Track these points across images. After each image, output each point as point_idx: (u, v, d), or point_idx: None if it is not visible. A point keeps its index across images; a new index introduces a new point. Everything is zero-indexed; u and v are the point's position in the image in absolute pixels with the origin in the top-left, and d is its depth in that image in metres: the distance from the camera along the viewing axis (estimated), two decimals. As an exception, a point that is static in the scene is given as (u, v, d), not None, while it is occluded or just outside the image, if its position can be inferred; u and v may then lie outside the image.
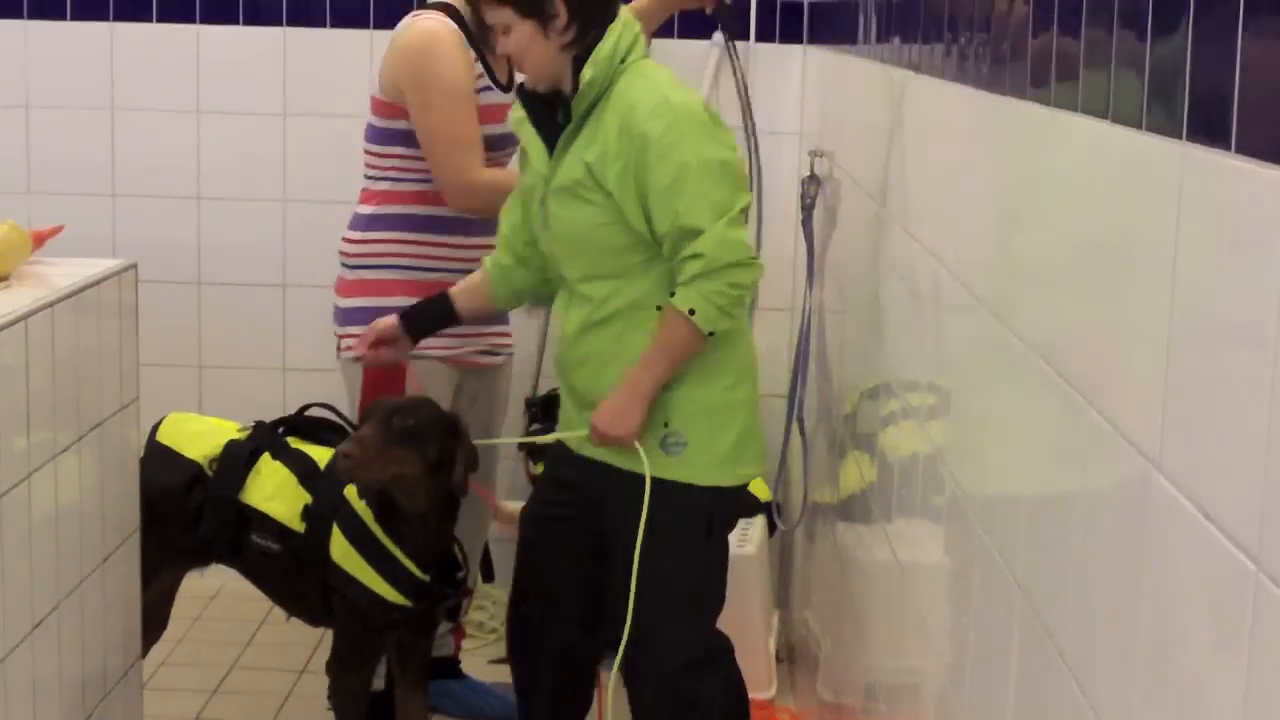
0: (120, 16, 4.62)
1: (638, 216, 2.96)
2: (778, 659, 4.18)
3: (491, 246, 3.37)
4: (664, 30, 4.57)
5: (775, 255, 4.57)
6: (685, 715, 3.17)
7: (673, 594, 3.12)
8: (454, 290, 3.32)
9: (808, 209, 3.84)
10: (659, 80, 3.02)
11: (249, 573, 3.40)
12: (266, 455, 3.35)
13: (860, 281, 3.27)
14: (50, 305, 2.57)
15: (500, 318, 3.74)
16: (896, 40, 2.93)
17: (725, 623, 3.99)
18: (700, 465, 3.06)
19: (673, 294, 2.95)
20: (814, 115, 4.40)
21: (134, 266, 2.98)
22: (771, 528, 4.25)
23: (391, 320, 3.29)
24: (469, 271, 3.45)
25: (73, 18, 4.63)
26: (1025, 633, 1.72)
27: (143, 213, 4.65)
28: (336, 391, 3.69)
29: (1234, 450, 1.13)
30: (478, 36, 3.57)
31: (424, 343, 3.40)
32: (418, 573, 3.22)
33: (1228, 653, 1.13)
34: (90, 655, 2.78)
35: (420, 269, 3.63)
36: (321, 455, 3.34)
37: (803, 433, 3.94)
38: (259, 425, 3.42)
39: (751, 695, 4.01)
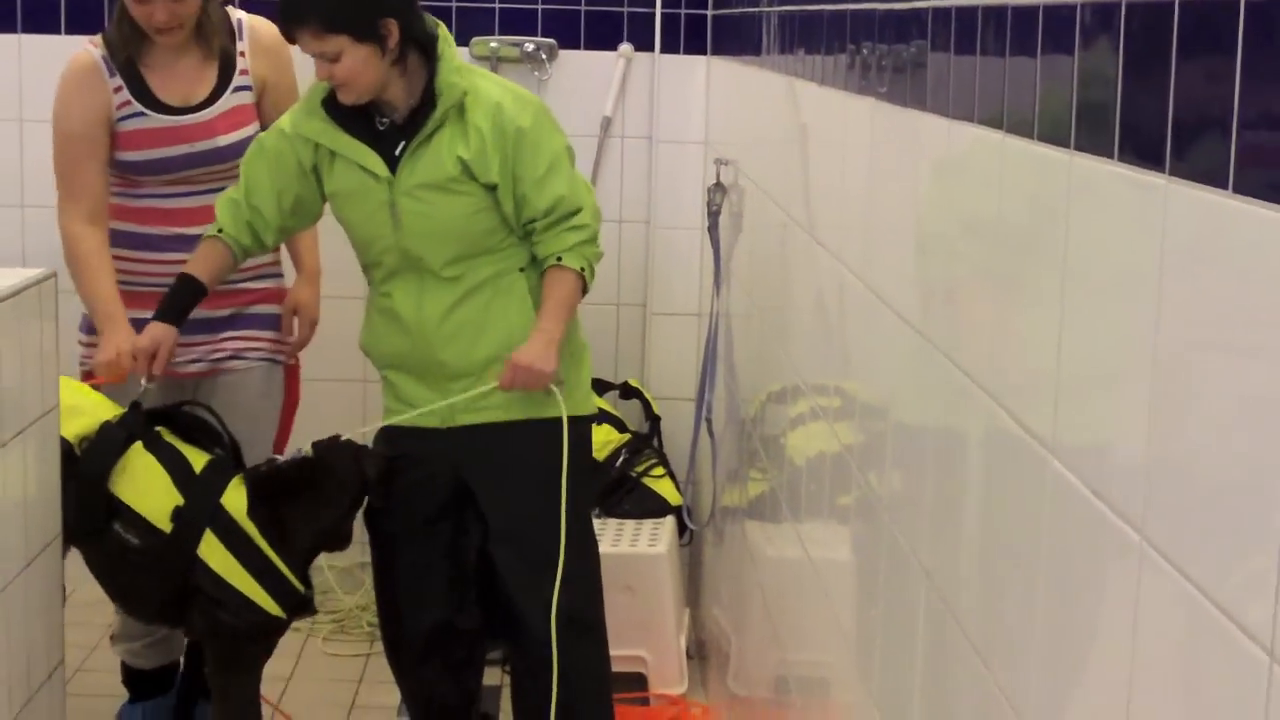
0: (29, 29, 4.63)
1: (508, 201, 3.24)
2: (688, 655, 4.27)
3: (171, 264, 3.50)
4: (571, 41, 4.67)
5: (682, 261, 4.68)
6: (592, 637, 3.43)
7: (582, 519, 3.40)
8: (192, 270, 3.40)
9: (714, 215, 3.93)
10: (501, 81, 3.35)
11: (94, 560, 3.33)
12: (139, 445, 3.29)
13: (767, 286, 3.37)
14: (-26, 313, 2.61)
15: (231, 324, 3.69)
16: (799, 51, 3.03)
17: (637, 621, 4.09)
18: (577, 400, 3.37)
19: (556, 258, 3.24)
20: (719, 124, 4.50)
21: (54, 275, 3.01)
22: (681, 528, 4.35)
23: (162, 334, 3.36)
24: (146, 284, 3.57)
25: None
26: (930, 615, 1.82)
27: (53, 222, 4.65)
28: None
29: (1118, 434, 1.23)
30: (132, 59, 3.56)
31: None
32: (297, 584, 3.27)
33: (1115, 619, 1.23)
34: (15, 658, 2.81)
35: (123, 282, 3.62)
36: (195, 457, 3.32)
37: (711, 435, 4.04)
38: (134, 408, 3.34)
39: (663, 691, 4.13)
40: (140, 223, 3.62)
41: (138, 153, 3.58)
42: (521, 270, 3.31)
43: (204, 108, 3.61)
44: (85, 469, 3.23)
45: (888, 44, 2.14)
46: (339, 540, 3.37)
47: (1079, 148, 1.33)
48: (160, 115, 3.57)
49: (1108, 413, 1.27)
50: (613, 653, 4.04)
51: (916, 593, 1.88)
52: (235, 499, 3.26)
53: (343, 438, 3.34)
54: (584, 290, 3.30)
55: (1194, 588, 1.08)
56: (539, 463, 3.31)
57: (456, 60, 3.25)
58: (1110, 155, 1.24)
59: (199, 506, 3.24)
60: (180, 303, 3.40)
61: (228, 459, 3.37)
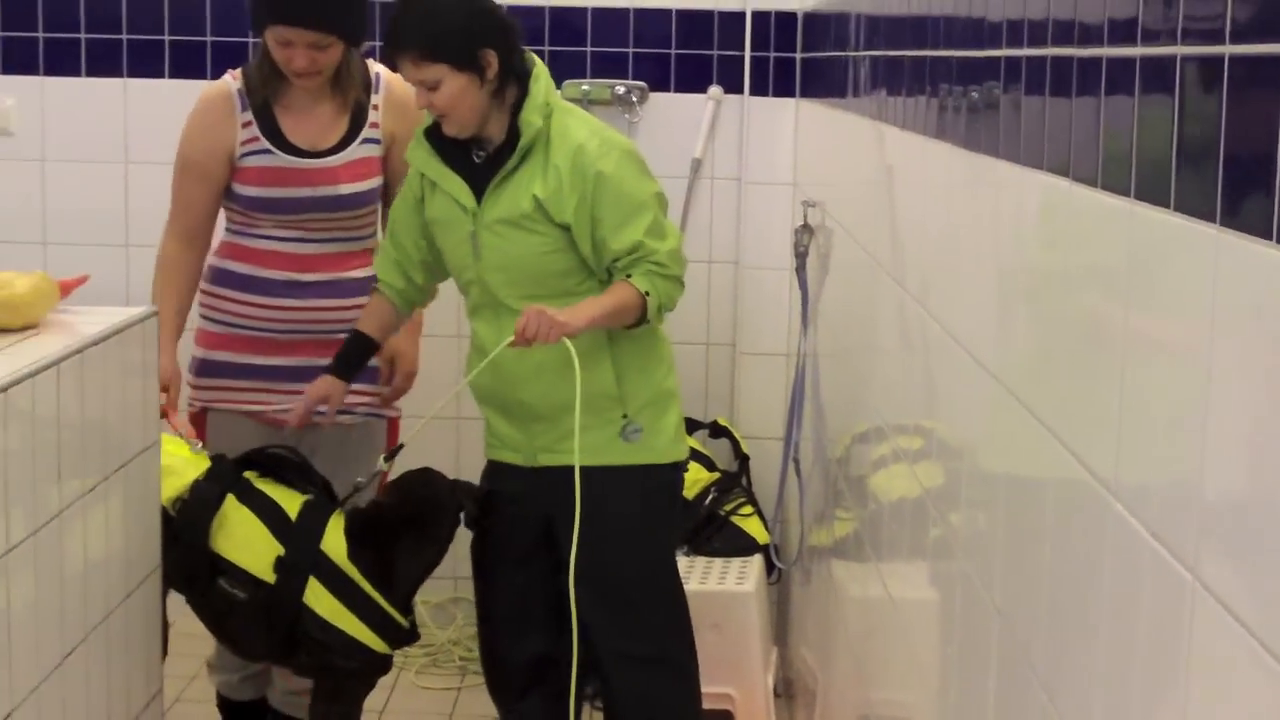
0: (134, 73, 4.77)
1: (585, 244, 3.25)
2: (775, 694, 4.29)
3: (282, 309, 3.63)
4: (662, 84, 4.73)
5: (771, 302, 4.71)
6: (680, 684, 3.49)
7: (665, 562, 3.48)
8: (361, 326, 3.51)
9: (801, 257, 3.97)
10: (592, 122, 3.36)
11: (201, 611, 3.37)
12: (232, 498, 3.31)
13: (852, 327, 3.40)
14: (80, 351, 2.70)
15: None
16: (882, 94, 3.07)
17: (725, 658, 4.12)
18: (658, 447, 3.39)
19: (627, 275, 3.24)
20: (806, 166, 4.54)
21: (155, 314, 3.11)
22: (769, 567, 4.38)
23: (329, 388, 3.46)
24: (257, 329, 3.66)
25: (88, 74, 4.77)
26: (1002, 653, 1.85)
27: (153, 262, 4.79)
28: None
29: (1176, 479, 1.26)
30: (268, 97, 3.62)
31: (223, 396, 3.65)
32: (402, 620, 3.32)
33: (1169, 657, 1.26)
34: (115, 686, 2.90)
35: (224, 323, 3.71)
36: (288, 501, 3.35)
37: (799, 474, 4.06)
38: (218, 462, 3.38)
39: (750, 729, 4.14)
40: (255, 264, 3.67)
41: (258, 189, 3.63)
42: None
43: (330, 154, 3.65)
44: (184, 531, 3.26)
45: (964, 89, 2.17)
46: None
47: (1139, 197, 1.35)
48: (285, 155, 3.63)
49: (1165, 458, 1.30)
50: (701, 690, 4.07)
51: (989, 631, 1.90)
52: (335, 542, 3.29)
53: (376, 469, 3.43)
54: (644, 317, 3.26)
55: (1239, 625, 1.11)
56: (615, 510, 3.33)
57: (543, 98, 3.27)
58: (1167, 205, 1.27)
59: (301, 554, 3.27)
60: (350, 357, 3.49)
61: (321, 498, 3.40)
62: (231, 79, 3.68)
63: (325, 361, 3.62)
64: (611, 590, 3.37)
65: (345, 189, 3.66)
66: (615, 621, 3.37)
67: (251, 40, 4.62)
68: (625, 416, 3.34)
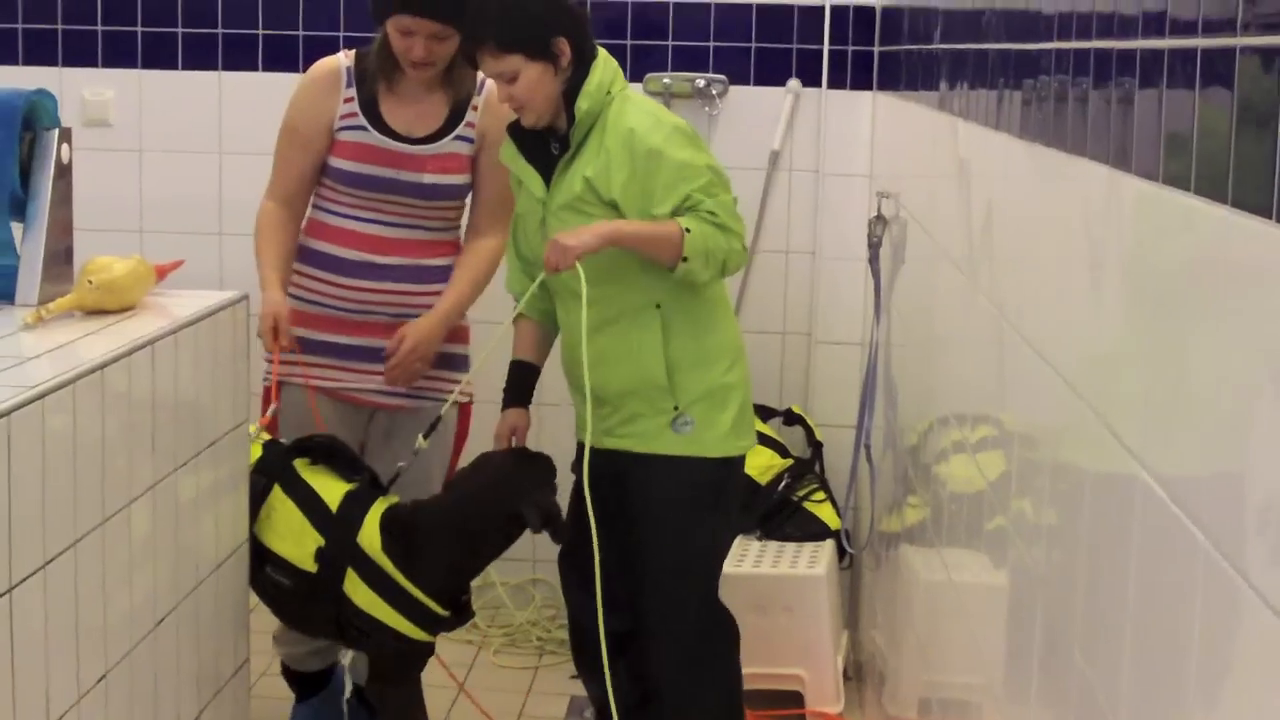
0: (229, 66, 4.91)
1: (644, 219, 3.28)
2: (845, 676, 4.36)
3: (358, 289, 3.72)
4: (742, 77, 4.81)
5: (846, 292, 4.78)
6: (693, 670, 3.46)
7: (683, 559, 3.44)
8: (516, 354, 3.57)
9: (874, 247, 4.02)
10: (646, 105, 3.42)
11: (260, 594, 3.47)
12: (278, 489, 3.40)
13: (923, 318, 3.45)
14: (175, 332, 2.82)
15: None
16: (958, 87, 3.12)
17: (796, 640, 4.20)
18: (708, 441, 3.41)
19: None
20: (883, 158, 4.60)
21: (246, 298, 3.23)
22: (841, 552, 4.45)
23: (515, 419, 3.55)
24: (334, 307, 3.74)
25: (184, 67, 4.92)
26: (1045, 635, 1.92)
27: (247, 249, 4.92)
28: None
29: (1240, 484, 1.30)
30: (377, 75, 3.72)
31: (297, 371, 3.70)
32: (440, 610, 3.37)
33: (1219, 655, 1.33)
34: (205, 652, 3.02)
35: (301, 299, 3.79)
36: (330, 491, 3.41)
37: (870, 461, 4.12)
38: (268, 451, 3.47)
39: (820, 709, 4.22)
40: (334, 243, 3.76)
41: (347, 163, 3.74)
42: (658, 307, 3.37)
43: (423, 143, 3.75)
44: None
45: (1044, 84, 2.19)
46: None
47: (1235, 203, 1.32)
48: (378, 135, 3.73)
49: (1228, 464, 1.33)
50: (771, 670, 4.16)
51: (1033, 619, 1.97)
52: (370, 535, 3.36)
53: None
54: (682, 256, 3.24)
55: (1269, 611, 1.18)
56: (659, 497, 3.40)
57: (599, 84, 3.33)
58: (1269, 214, 1.24)
59: (339, 546, 3.35)
60: (517, 386, 3.57)
61: (365, 488, 3.47)
62: (345, 57, 3.81)
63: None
64: (647, 575, 3.43)
65: (429, 179, 3.74)
66: (646, 605, 3.44)
67: (343, 34, 4.76)
68: (676, 409, 3.39)
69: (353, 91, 3.75)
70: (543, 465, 3.45)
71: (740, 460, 3.55)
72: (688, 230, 3.24)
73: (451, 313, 3.78)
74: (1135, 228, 1.66)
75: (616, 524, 3.41)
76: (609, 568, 3.39)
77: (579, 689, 4.47)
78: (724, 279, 3.46)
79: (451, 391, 3.74)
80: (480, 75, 3.74)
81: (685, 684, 3.49)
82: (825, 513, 4.48)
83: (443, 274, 3.78)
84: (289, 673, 3.99)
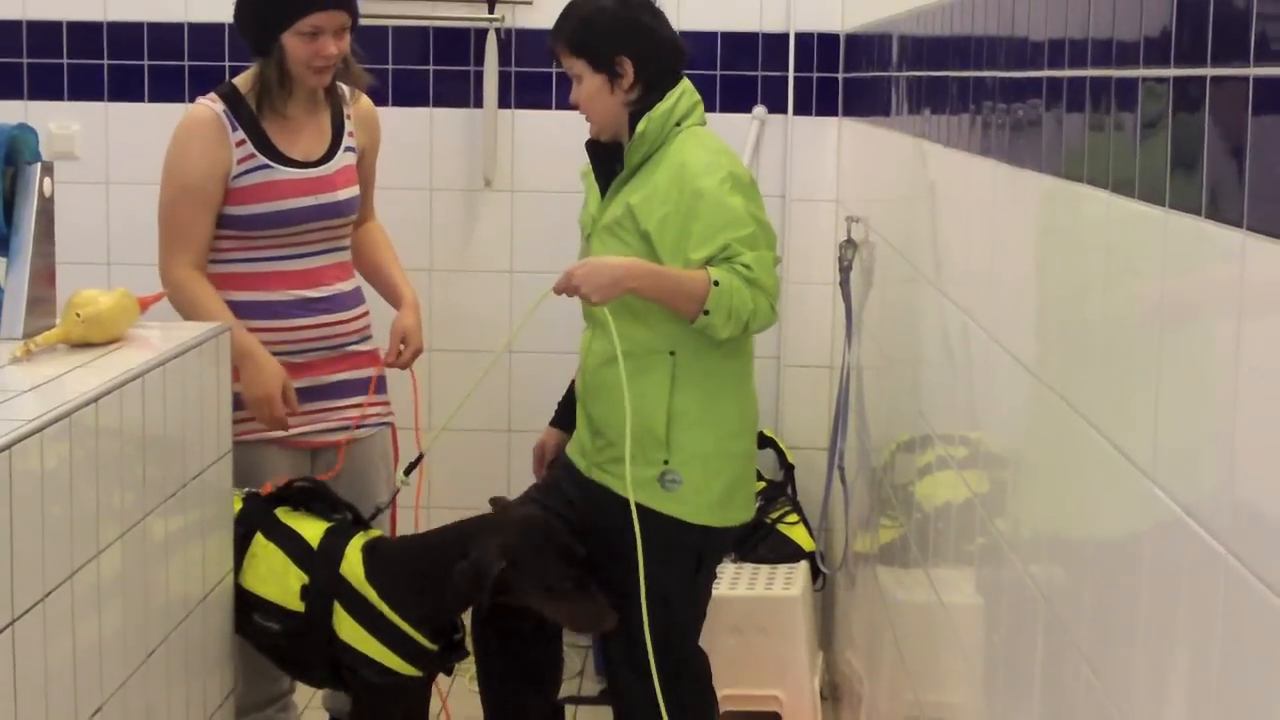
0: (194, 97, 4.91)
1: (665, 256, 3.26)
2: (822, 696, 4.39)
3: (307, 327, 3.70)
4: (708, 104, 4.83)
5: (815, 315, 4.82)
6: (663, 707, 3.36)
7: (661, 613, 3.29)
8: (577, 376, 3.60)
9: (845, 271, 4.07)
10: (710, 145, 3.38)
11: (253, 644, 3.44)
12: (259, 535, 3.37)
13: (897, 339, 3.50)
14: (162, 364, 2.83)
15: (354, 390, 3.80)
16: (923, 112, 3.17)
17: (772, 662, 4.22)
18: (693, 505, 3.36)
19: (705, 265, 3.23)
20: (850, 183, 4.65)
21: (229, 329, 3.24)
22: (815, 573, 4.48)
23: (546, 437, 3.64)
24: (286, 354, 3.66)
25: (150, 100, 4.92)
26: (1049, 640, 1.95)
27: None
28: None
29: (1231, 475, 1.36)
30: (254, 113, 3.64)
31: (249, 427, 3.61)
32: (426, 644, 3.32)
33: (1212, 650, 1.37)
34: (193, 683, 3.02)
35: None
36: (310, 530, 3.39)
37: (844, 482, 4.16)
38: (250, 499, 3.44)
39: (797, 731, 4.24)
40: (263, 288, 3.69)
41: (260, 205, 3.64)
42: (671, 354, 3.33)
43: (323, 163, 3.74)
44: None
45: (1006, 107, 2.28)
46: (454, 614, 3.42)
47: (1172, 206, 1.46)
48: (285, 168, 3.67)
49: (1198, 441, 1.40)
50: (749, 692, 4.17)
51: (1036, 619, 2.01)
52: (353, 564, 3.33)
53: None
54: (704, 309, 3.19)
55: (1252, 576, 1.22)
56: (633, 549, 3.24)
57: (661, 111, 3.34)
58: (1198, 212, 1.38)
59: (323, 579, 3.33)
60: (563, 406, 3.65)
61: (345, 523, 3.45)
62: (211, 101, 3.70)
63: (340, 376, 3.74)
64: (621, 615, 3.30)
65: (342, 194, 3.76)
66: (618, 641, 3.44)
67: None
68: (666, 463, 3.33)
69: (240, 134, 3.66)
70: (538, 530, 3.31)
71: (729, 533, 3.47)
72: (716, 283, 3.20)
73: (416, 299, 3.90)
74: (1102, 238, 1.74)
75: (600, 556, 3.40)
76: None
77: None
78: (751, 338, 3.43)
79: (376, 413, 3.82)
80: (344, 87, 3.80)
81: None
82: (799, 534, 4.52)
83: (358, 297, 3.82)
84: None
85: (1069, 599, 1.87)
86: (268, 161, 3.67)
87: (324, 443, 3.78)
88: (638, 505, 3.26)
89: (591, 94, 3.36)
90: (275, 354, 3.67)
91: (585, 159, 3.53)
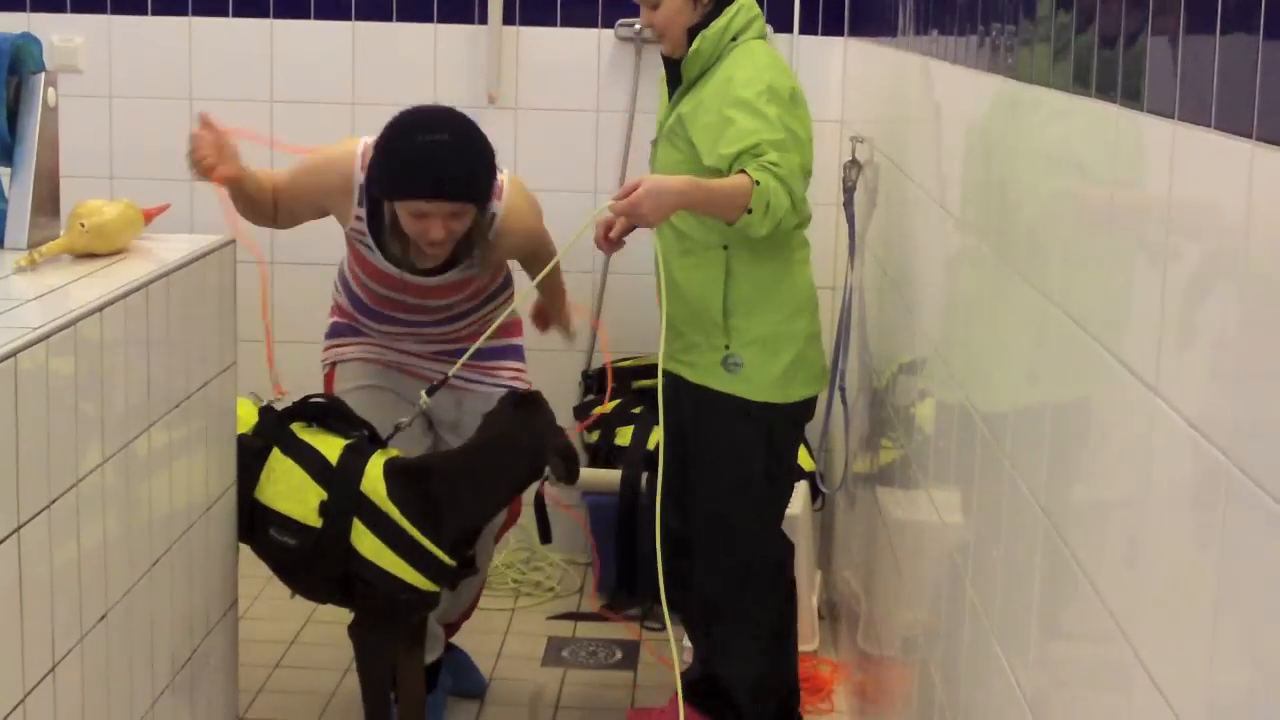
0: (199, 12, 4.89)
1: (706, 157, 3.34)
2: (820, 615, 4.42)
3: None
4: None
5: (819, 236, 4.77)
6: (739, 596, 3.58)
7: (729, 490, 3.55)
8: None
9: (849, 191, 4.07)
10: (760, 60, 3.44)
11: (265, 559, 3.47)
12: (277, 451, 3.39)
13: (899, 258, 3.50)
14: (165, 276, 2.83)
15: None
16: (933, 32, 3.16)
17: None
18: (755, 384, 3.50)
19: (740, 170, 3.24)
20: (855, 103, 4.63)
21: (233, 243, 3.24)
22: (814, 493, 4.50)
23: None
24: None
25: (153, 13, 4.89)
26: (1047, 549, 1.97)
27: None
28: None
29: (1216, 370, 1.38)
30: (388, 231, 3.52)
31: (348, 352, 3.81)
32: (448, 560, 3.35)
33: (1204, 542, 1.38)
34: (195, 596, 3.05)
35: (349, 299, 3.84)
36: (329, 447, 3.40)
37: (844, 403, 4.17)
38: (266, 413, 3.46)
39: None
40: (363, 293, 3.76)
41: (353, 262, 3.70)
42: (725, 248, 3.43)
43: (429, 275, 3.63)
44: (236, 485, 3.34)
45: (1015, 24, 2.27)
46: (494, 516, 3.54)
47: (1182, 118, 1.46)
48: (383, 259, 3.60)
49: (1204, 348, 1.41)
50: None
51: (1035, 529, 2.02)
52: (374, 482, 3.34)
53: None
54: (747, 208, 3.20)
55: (1261, 494, 1.23)
56: (705, 431, 3.51)
57: (716, 27, 3.41)
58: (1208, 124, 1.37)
59: (342, 496, 3.33)
60: None
61: (363, 441, 3.46)
62: (359, 165, 3.54)
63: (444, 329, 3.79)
64: (697, 500, 3.55)
65: (434, 302, 3.71)
66: (695, 526, 3.58)
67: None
68: (727, 348, 3.48)
69: (363, 210, 3.56)
70: (545, 410, 3.47)
71: (796, 407, 3.58)
72: (757, 183, 3.21)
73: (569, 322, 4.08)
74: (1111, 154, 1.74)
75: (678, 440, 3.55)
76: (675, 478, 3.53)
77: (557, 630, 4.54)
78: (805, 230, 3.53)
79: (508, 378, 3.85)
80: (491, 212, 3.59)
81: (727, 607, 3.59)
82: (799, 454, 4.52)
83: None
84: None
85: (1070, 515, 1.88)
86: (372, 244, 3.59)
87: (429, 376, 3.73)
88: (707, 390, 3.49)
89: (673, 14, 3.43)
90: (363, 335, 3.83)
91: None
